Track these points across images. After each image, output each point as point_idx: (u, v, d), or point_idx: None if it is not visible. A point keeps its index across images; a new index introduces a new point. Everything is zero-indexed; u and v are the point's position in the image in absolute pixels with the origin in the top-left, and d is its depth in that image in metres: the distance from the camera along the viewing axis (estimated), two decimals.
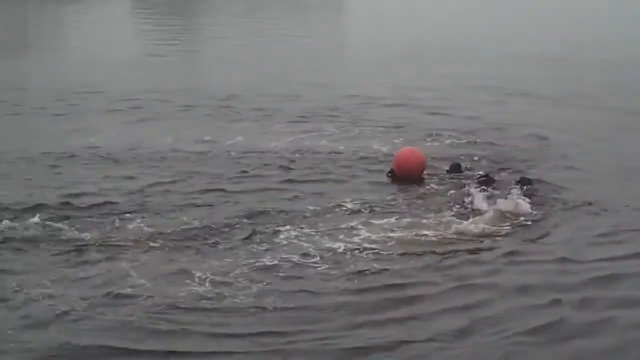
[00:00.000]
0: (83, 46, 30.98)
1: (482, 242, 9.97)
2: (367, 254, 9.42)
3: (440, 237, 10.05)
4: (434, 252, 9.57)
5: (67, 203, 10.86)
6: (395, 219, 10.56)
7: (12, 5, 49.93)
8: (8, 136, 15.15)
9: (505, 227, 10.42)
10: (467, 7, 47.78)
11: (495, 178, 12.11)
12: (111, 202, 10.98)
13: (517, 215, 10.75)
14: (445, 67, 24.80)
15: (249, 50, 30.01)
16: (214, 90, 19.86)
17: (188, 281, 8.56)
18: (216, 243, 9.65)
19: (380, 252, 9.52)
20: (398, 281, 8.77)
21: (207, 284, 8.50)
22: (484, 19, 41.73)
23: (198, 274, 8.68)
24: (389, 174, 12.33)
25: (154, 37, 34.57)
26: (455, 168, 12.41)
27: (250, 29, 39.13)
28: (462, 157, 13.46)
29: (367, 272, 8.97)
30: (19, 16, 46.55)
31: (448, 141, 14.98)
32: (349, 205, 11.03)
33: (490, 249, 9.80)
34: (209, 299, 8.20)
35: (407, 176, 12.19)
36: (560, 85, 21.34)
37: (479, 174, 12.20)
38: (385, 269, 9.03)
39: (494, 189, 11.64)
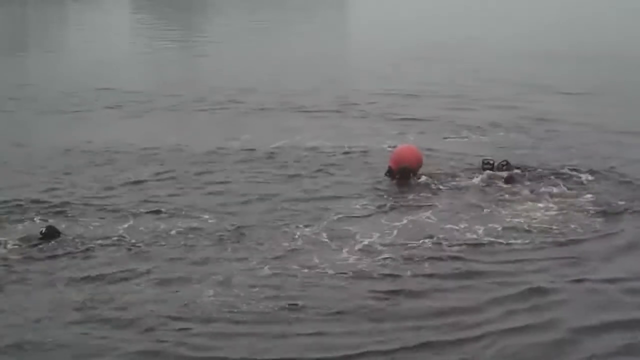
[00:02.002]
0: (85, 45, 30.68)
1: (542, 242, 9.20)
2: (398, 260, 8.69)
3: (488, 236, 9.33)
4: (484, 257, 8.81)
5: (76, 202, 10.51)
6: (427, 215, 9.99)
7: (11, 5, 49.52)
8: (14, 133, 14.76)
9: (560, 224, 9.71)
10: (470, 4, 47.15)
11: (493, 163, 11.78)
12: (118, 201, 10.62)
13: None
14: (458, 64, 24.03)
15: (253, 49, 29.47)
16: (221, 88, 19.37)
17: (202, 289, 8.00)
18: (231, 247, 9.12)
19: (418, 256, 8.81)
20: (451, 300, 7.83)
21: (221, 293, 7.91)
22: (489, 17, 41.00)
23: (212, 281, 8.14)
24: (387, 174, 11.74)
25: (156, 35, 34.02)
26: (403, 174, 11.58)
27: (253, 27, 38.58)
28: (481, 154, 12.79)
29: (401, 283, 8.19)
30: (19, 16, 46.17)
31: (474, 136, 14.40)
32: (370, 205, 10.52)
33: (555, 250, 9.01)
34: (225, 310, 7.59)
35: (405, 174, 11.57)
36: (580, 80, 20.71)
37: (486, 160, 11.83)
38: (429, 278, 8.27)
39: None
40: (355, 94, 18.59)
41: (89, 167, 12.45)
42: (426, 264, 8.59)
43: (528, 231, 9.50)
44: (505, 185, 11.17)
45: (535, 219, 9.90)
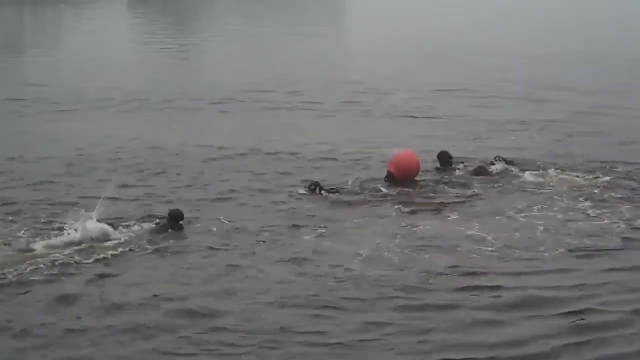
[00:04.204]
0: (85, 49, 30.02)
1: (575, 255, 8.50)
2: (415, 271, 8.09)
3: (512, 246, 8.69)
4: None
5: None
6: (444, 222, 9.51)
7: (6, 8, 49.12)
8: (25, 137, 14.33)
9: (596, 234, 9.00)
10: (477, 6, 46.90)
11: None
12: (134, 205, 10.18)
13: None
14: (468, 64, 23.61)
15: (256, 51, 28.99)
16: (228, 89, 18.92)
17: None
18: (242, 253, 8.67)
19: (439, 266, 8.24)
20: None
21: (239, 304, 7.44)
22: (494, 19, 40.65)
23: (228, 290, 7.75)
24: (386, 178, 11.27)
25: (155, 37, 33.51)
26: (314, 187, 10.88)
27: (251, 30, 38.18)
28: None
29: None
30: (16, 19, 45.83)
31: (513, 137, 13.92)
32: (381, 211, 10.03)
33: (591, 264, 8.29)
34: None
35: (406, 178, 11.14)
36: (597, 80, 20.26)
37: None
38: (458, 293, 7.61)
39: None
40: (365, 95, 18.24)
41: (95, 167, 12.15)
42: (454, 278, 7.97)
43: (558, 241, 8.83)
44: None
45: (567, 227, 9.28)
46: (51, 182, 11.28)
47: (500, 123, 14.91)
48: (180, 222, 9.30)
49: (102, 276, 8.02)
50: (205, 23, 43.56)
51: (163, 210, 9.73)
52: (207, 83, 20.34)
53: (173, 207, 9.72)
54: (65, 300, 7.47)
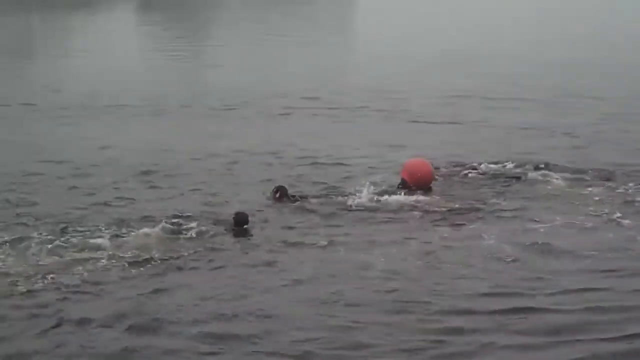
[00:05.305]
0: (97, 53, 29.95)
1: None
2: (438, 290, 7.69)
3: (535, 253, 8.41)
4: None
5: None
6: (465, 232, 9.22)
7: (15, 13, 49.12)
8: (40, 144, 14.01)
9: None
10: (478, 14, 46.63)
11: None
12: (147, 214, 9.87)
13: None
14: (487, 69, 23.23)
15: (269, 57, 28.71)
16: (243, 96, 18.65)
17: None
18: (277, 262, 8.45)
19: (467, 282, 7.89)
20: None
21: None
22: (499, 27, 40.37)
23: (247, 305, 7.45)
24: (400, 186, 11.02)
25: (164, 42, 33.46)
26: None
27: (264, 37, 37.90)
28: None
29: None
30: (24, 24, 45.80)
31: (535, 143, 13.60)
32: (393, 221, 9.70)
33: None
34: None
35: (420, 185, 10.87)
36: (618, 86, 19.99)
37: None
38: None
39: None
40: (381, 100, 17.94)
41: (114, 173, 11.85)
42: (474, 295, 7.54)
43: (584, 254, 8.47)
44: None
45: (593, 238, 8.96)
46: (67, 186, 11.14)
47: (521, 129, 14.72)
48: (245, 227, 9.14)
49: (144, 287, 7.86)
50: (217, 30, 43.47)
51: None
52: (221, 88, 20.11)
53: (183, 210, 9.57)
54: (95, 310, 7.32)
